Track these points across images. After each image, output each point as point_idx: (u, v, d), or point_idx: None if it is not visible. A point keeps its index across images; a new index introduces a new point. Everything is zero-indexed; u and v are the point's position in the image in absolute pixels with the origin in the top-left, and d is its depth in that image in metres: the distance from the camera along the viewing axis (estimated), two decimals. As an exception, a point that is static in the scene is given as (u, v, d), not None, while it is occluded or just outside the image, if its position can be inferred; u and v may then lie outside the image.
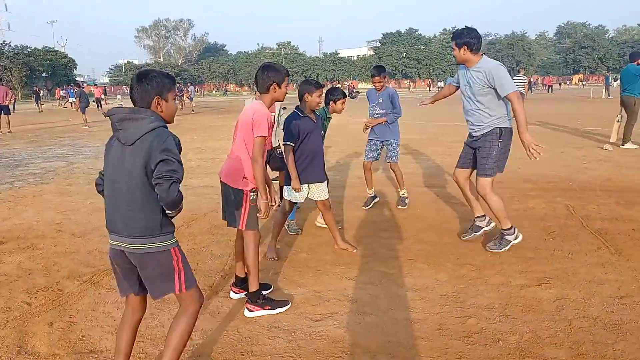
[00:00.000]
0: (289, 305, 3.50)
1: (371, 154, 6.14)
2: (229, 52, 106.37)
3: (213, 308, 3.53)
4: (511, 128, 4.41)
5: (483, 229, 4.73)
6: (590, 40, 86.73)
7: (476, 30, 4.45)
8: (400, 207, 6.12)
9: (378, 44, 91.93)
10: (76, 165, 10.13)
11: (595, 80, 74.80)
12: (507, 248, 4.42)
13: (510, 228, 4.46)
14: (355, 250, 4.61)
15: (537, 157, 4.19)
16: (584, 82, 71.13)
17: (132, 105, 2.37)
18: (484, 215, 4.73)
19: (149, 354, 2.96)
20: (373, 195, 6.27)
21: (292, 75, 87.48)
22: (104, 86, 63.44)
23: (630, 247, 4.48)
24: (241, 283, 3.68)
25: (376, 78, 5.93)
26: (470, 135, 4.65)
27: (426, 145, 11.58)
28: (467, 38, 4.35)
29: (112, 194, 2.33)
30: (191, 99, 31.77)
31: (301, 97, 4.47)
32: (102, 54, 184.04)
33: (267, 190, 3.42)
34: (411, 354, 2.86)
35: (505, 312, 3.33)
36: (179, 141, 2.34)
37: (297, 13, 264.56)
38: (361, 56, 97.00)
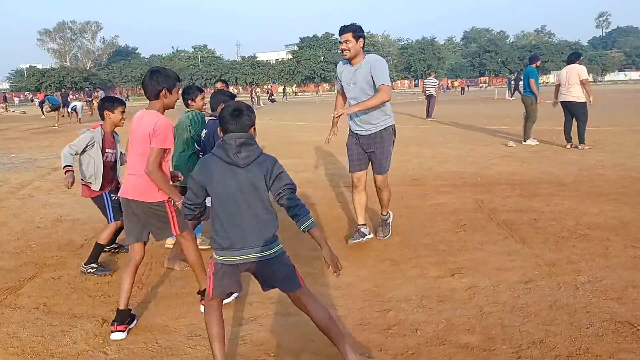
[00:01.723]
0: (236, 295, 3.56)
1: None
2: (141, 56, 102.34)
3: (130, 320, 3.37)
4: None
5: (366, 236, 4.80)
6: (493, 45, 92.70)
7: None
8: None
9: (296, 47, 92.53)
10: (-28, 178, 9.30)
11: (499, 82, 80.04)
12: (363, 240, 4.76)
13: (387, 213, 4.96)
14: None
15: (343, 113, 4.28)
16: (484, 85, 76.15)
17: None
18: (365, 224, 4.83)
19: None
20: None
21: (210, 78, 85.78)
22: (4, 92, 58.79)
23: (533, 235, 4.84)
24: (121, 317, 3.21)
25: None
26: (356, 136, 4.63)
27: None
28: (362, 32, 4.30)
29: (231, 212, 2.52)
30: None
31: (215, 108, 4.41)
32: (0, 58, 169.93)
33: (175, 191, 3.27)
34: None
35: (422, 303, 3.47)
36: None
37: (212, 16, 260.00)
38: (280, 60, 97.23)
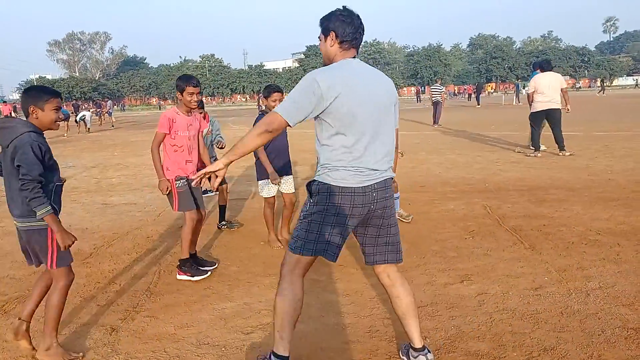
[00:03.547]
0: (207, 274, 4.29)
1: None
2: (149, 65, 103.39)
3: (138, 329, 3.37)
4: (330, 185, 2.51)
5: None
6: (500, 51, 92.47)
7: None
8: None
9: (303, 56, 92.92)
10: (-18, 188, 9.38)
11: (506, 88, 79.67)
12: None
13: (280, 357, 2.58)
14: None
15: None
16: (490, 91, 75.45)
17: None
18: (423, 348, 2.73)
19: None
20: None
21: (218, 87, 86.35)
22: (14, 103, 59.42)
23: (542, 241, 4.80)
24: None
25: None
26: None
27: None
28: (328, 22, 2.64)
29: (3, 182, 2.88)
30: (110, 114, 30.54)
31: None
32: (10, 68, 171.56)
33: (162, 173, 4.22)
34: (342, 359, 2.89)
35: (431, 310, 3.45)
36: (39, 144, 2.77)
37: (219, 25, 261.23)
38: (286, 68, 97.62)
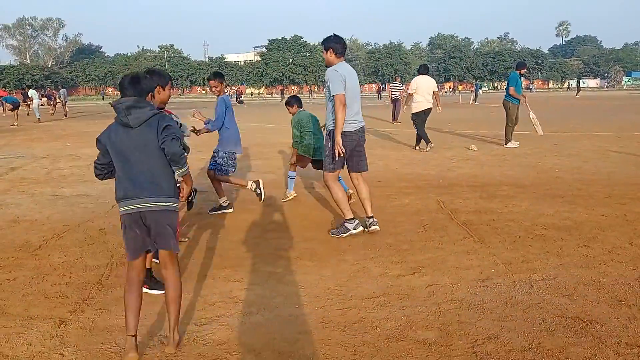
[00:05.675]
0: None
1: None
2: (105, 54, 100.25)
3: (88, 321, 3.31)
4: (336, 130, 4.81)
5: (350, 232, 5.01)
6: (458, 51, 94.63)
7: (339, 37, 4.96)
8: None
9: (264, 49, 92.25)
10: None
11: (463, 88, 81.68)
12: (344, 235, 4.96)
13: (352, 219, 5.02)
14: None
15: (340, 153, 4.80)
16: (448, 91, 77.32)
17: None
18: (371, 217, 5.16)
19: None
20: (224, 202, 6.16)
21: (177, 79, 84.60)
22: (-42, 89, 56.43)
23: (491, 235, 4.98)
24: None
25: (211, 82, 6.04)
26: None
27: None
28: (332, 43, 4.90)
29: (124, 166, 2.84)
30: (64, 103, 29.41)
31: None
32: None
33: None
34: (295, 348, 2.93)
35: (383, 300, 3.53)
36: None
37: (180, 16, 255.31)
38: (248, 61, 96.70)
